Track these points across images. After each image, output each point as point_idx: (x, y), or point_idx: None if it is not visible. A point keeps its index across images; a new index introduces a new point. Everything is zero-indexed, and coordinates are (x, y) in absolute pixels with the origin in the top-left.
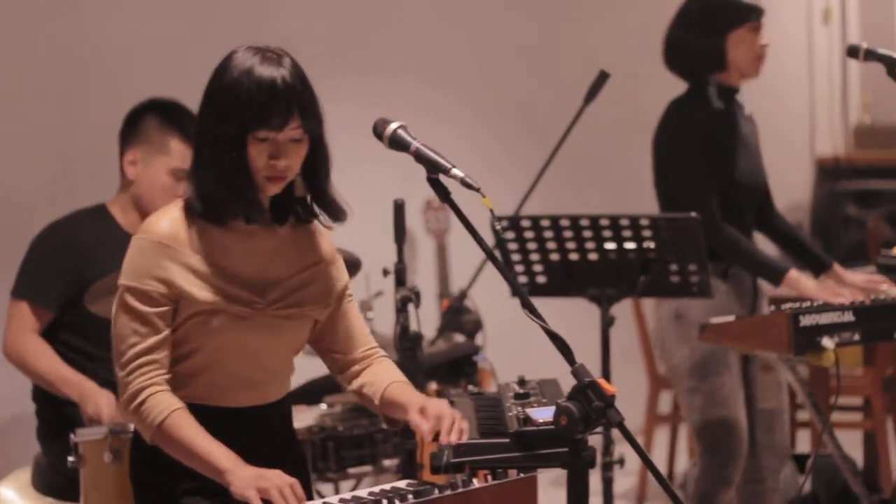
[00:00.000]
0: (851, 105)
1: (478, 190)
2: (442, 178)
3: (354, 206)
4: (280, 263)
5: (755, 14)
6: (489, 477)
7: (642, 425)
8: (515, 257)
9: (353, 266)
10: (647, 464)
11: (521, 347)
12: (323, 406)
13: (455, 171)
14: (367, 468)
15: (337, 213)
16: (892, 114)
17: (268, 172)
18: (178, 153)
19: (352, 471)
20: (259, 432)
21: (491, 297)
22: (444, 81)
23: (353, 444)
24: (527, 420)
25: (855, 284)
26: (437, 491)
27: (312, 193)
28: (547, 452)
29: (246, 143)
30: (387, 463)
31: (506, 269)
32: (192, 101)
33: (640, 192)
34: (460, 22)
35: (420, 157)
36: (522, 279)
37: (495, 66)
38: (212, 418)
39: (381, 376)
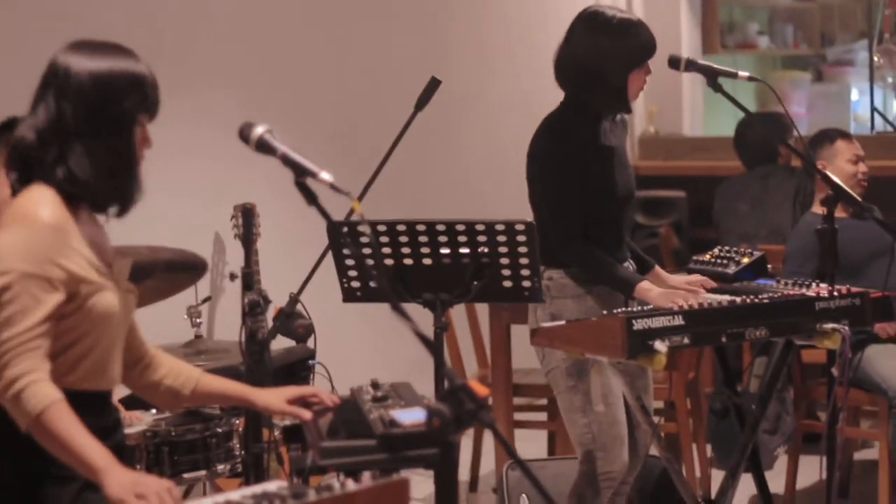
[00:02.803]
0: (636, 115)
1: (347, 194)
2: (309, 181)
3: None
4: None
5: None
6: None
7: None
8: (349, 262)
9: (200, 268)
10: (519, 464)
11: (347, 351)
12: (154, 411)
13: (324, 176)
14: (202, 473)
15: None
16: (676, 124)
17: (142, 153)
18: None
19: (186, 475)
20: (114, 414)
21: (317, 301)
22: (261, 92)
23: (186, 448)
24: (393, 422)
25: (677, 286)
26: (313, 493)
27: None
28: (414, 454)
29: (134, 126)
30: (220, 467)
31: (381, 275)
32: None
33: (449, 198)
34: (281, 31)
35: (287, 161)
36: (356, 283)
37: (319, 71)
38: (93, 403)
39: (183, 368)
